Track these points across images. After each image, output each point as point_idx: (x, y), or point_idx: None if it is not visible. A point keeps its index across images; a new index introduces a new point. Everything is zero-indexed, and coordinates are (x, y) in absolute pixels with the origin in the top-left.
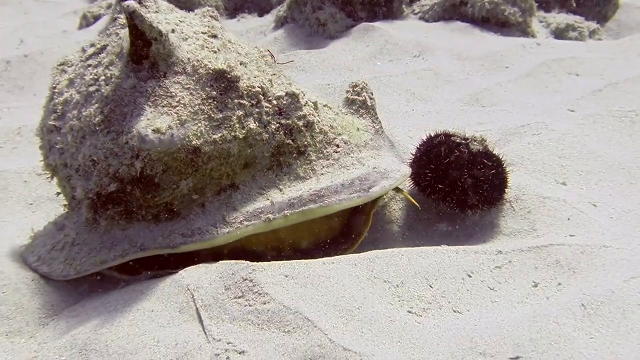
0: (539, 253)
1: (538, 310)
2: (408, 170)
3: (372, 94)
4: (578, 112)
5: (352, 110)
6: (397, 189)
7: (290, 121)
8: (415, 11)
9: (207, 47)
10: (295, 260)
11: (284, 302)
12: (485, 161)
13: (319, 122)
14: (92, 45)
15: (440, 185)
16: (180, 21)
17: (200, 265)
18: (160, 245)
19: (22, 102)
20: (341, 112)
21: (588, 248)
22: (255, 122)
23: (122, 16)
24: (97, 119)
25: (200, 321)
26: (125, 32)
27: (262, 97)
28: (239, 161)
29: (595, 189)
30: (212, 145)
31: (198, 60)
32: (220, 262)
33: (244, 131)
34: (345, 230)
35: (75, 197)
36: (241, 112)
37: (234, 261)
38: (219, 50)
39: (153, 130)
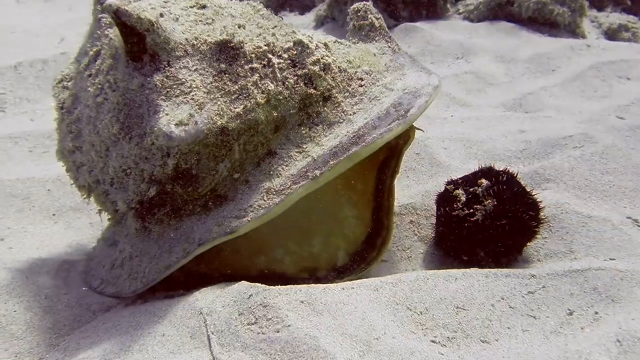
0: (575, 278)
1: (570, 345)
2: (438, 81)
3: (378, 14)
4: (627, 119)
5: (362, 37)
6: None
7: (306, 70)
8: (460, 11)
9: (200, 20)
10: (314, 285)
11: (298, 331)
12: (498, 224)
13: (335, 61)
14: (85, 54)
15: (463, 257)
16: (165, 1)
17: (216, 286)
18: (218, 235)
19: None
20: (352, 43)
21: (629, 274)
22: (272, 82)
23: (106, 14)
24: (114, 128)
25: (210, 349)
26: (114, 31)
27: (272, 55)
28: (268, 127)
29: None
30: (238, 119)
31: (196, 38)
32: (236, 283)
33: (264, 95)
34: (376, 219)
35: (118, 210)
36: (256, 77)
37: (249, 284)
38: (213, 20)
39: (176, 124)
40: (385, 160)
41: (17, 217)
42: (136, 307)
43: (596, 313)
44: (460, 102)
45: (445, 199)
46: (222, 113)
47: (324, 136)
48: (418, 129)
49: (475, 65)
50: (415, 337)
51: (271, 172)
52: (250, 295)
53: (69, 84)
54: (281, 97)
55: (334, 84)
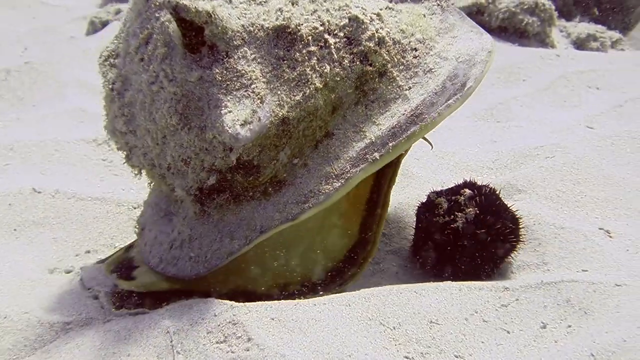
0: (548, 290)
1: (544, 359)
2: (491, 44)
3: None
4: (597, 129)
5: None
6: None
7: (361, 47)
8: None
9: (253, 0)
10: (285, 301)
11: (268, 350)
12: (478, 233)
13: (389, 33)
14: (134, 35)
15: (439, 269)
16: None
17: (183, 302)
18: (279, 222)
19: (20, 114)
20: (400, 3)
21: (601, 286)
22: (329, 64)
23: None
24: (173, 119)
25: None
26: (166, 15)
27: (328, 35)
28: (326, 109)
29: (612, 218)
30: (297, 107)
31: (252, 24)
32: (204, 300)
33: (322, 79)
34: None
35: (175, 193)
36: (313, 60)
37: (218, 300)
38: None
39: (241, 124)
40: (383, 168)
41: None
42: (100, 327)
43: (569, 326)
44: None
45: (427, 208)
46: (282, 103)
47: (380, 114)
48: (427, 141)
49: None
50: (389, 353)
51: (329, 155)
52: (218, 313)
53: (117, 61)
54: (338, 78)
55: (388, 58)
